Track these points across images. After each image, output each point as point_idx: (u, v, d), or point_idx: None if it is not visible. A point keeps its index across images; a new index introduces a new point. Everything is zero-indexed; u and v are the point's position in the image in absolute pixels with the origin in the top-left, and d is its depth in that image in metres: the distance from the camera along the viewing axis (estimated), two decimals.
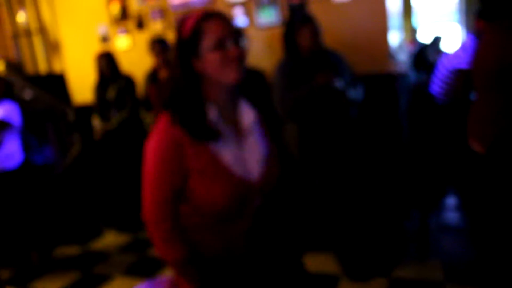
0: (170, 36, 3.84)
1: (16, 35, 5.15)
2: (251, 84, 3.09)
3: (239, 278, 1.42)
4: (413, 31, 5.89)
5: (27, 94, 4.12)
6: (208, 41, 1.25)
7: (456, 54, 2.93)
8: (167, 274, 3.23)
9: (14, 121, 3.39)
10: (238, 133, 1.38)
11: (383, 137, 3.36)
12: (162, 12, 4.13)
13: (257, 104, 1.55)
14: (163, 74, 3.61)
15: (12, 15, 5.17)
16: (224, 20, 1.29)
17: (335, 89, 2.70)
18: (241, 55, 1.29)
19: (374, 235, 3.18)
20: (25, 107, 4.02)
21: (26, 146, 3.87)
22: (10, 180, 3.46)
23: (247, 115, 1.41)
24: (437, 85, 3.08)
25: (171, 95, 1.33)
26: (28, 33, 5.07)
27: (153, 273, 3.30)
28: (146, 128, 3.90)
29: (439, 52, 4.87)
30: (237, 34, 1.29)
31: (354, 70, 2.95)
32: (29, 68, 5.09)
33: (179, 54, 1.30)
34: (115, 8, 4.35)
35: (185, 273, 1.36)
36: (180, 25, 1.30)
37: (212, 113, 1.31)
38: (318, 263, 3.11)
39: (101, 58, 3.97)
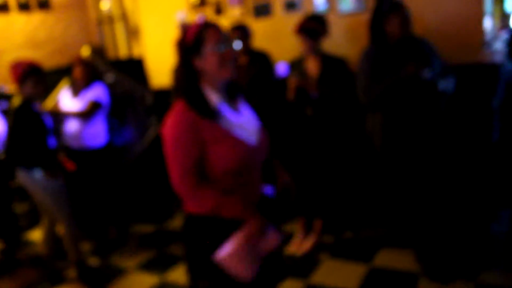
0: (249, 22, 3.82)
1: (100, 22, 5.38)
2: (332, 71, 3.01)
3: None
4: (504, 17, 5.43)
5: (109, 78, 4.28)
6: (209, 44, 1.61)
7: None
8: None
9: (104, 102, 3.56)
10: (237, 111, 1.74)
11: (472, 133, 3.15)
12: None
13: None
14: (242, 60, 3.59)
15: (97, 3, 5.40)
16: (219, 28, 1.65)
17: (424, 80, 2.56)
18: (234, 56, 1.67)
19: (458, 235, 3.01)
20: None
21: (108, 128, 4.05)
22: (94, 158, 3.63)
23: (239, 97, 1.80)
24: None
25: (177, 86, 1.71)
26: (110, 19, 5.27)
27: None
28: None
29: None
30: (229, 39, 1.68)
31: (444, 59, 2.77)
32: (110, 53, 5.29)
33: (182, 55, 1.66)
34: None
35: (231, 209, 1.60)
36: (183, 33, 1.67)
37: (215, 98, 1.66)
38: (396, 259, 3.00)
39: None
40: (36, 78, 3.07)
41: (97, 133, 3.62)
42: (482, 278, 2.67)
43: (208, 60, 1.62)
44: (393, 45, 2.66)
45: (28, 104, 3.06)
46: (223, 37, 1.63)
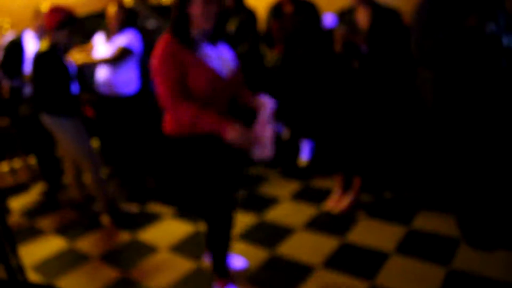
0: None
1: None
2: (383, 24, 2.84)
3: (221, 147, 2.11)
4: None
5: (151, 23, 4.20)
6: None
7: None
8: (272, 213, 3.25)
9: (136, 49, 3.49)
10: (217, 50, 2.12)
11: None
12: None
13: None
14: (288, 9, 3.44)
15: None
16: None
17: (487, 34, 2.35)
18: (217, 14, 2.04)
19: (503, 202, 2.87)
20: (148, 36, 4.12)
21: (146, 74, 4.02)
22: (126, 105, 3.62)
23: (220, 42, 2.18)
24: None
25: (171, 23, 2.03)
26: None
27: (260, 210, 3.33)
28: (267, 65, 3.80)
29: None
30: None
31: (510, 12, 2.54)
32: None
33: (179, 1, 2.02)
34: None
35: (209, 121, 1.96)
36: None
37: (196, 32, 2.05)
38: (436, 223, 2.91)
39: None
40: (71, 28, 3.05)
41: (129, 80, 3.57)
42: None
43: (195, 9, 1.99)
44: None
45: (54, 50, 3.04)
46: None
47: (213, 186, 2.18)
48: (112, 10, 3.49)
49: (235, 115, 2.25)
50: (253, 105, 2.24)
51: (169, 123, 2.15)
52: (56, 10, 3.03)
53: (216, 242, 2.30)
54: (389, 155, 3.22)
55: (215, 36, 2.14)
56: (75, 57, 3.45)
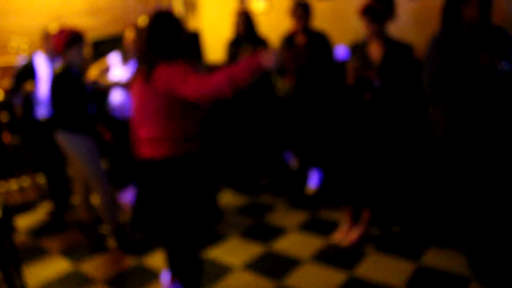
0: (311, 0, 3.68)
1: None
2: (396, 57, 2.87)
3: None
4: None
5: None
6: None
7: None
8: (280, 243, 3.22)
9: None
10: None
11: None
12: None
13: None
14: (300, 39, 3.48)
15: None
16: None
17: (499, 73, 2.36)
18: None
19: None
20: None
21: None
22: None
23: None
24: None
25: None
26: None
27: (268, 240, 3.30)
28: (277, 93, 3.83)
29: None
30: None
31: None
32: None
33: None
34: None
35: (243, 68, 2.00)
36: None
37: None
38: (446, 260, 2.86)
39: (239, 15, 3.92)
40: (80, 45, 3.11)
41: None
42: None
43: None
44: (467, 32, 2.48)
45: (68, 70, 3.09)
46: None
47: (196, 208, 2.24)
48: (130, 34, 3.54)
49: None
50: None
51: (161, 147, 2.18)
52: (61, 32, 3.12)
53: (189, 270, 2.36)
54: (399, 188, 3.20)
55: None
56: (91, 73, 3.52)
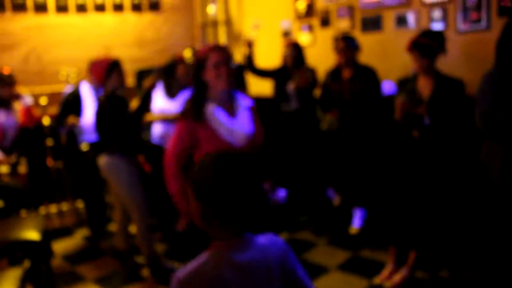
0: (356, 36, 3.66)
1: (204, 25, 5.50)
2: (447, 92, 2.77)
3: None
4: None
5: None
6: (210, 63, 2.16)
7: None
8: (320, 283, 3.07)
9: None
10: (233, 116, 2.25)
11: None
12: (350, 10, 3.97)
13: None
14: (347, 73, 3.44)
15: (203, 7, 5.53)
16: (222, 50, 2.19)
17: None
18: (229, 73, 2.18)
19: None
20: None
21: None
22: None
23: (241, 104, 2.31)
24: None
25: (191, 97, 2.28)
26: (215, 23, 5.37)
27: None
28: (321, 128, 3.75)
29: None
30: (229, 59, 2.19)
31: None
32: None
33: (195, 69, 2.22)
34: (302, 5, 4.32)
35: (181, 204, 2.23)
36: (197, 53, 2.29)
37: (212, 104, 2.21)
38: None
39: (288, 47, 3.90)
40: (118, 72, 3.18)
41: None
42: None
43: (209, 74, 2.16)
44: None
45: (112, 96, 3.15)
46: (222, 58, 2.15)
47: None
48: (181, 64, 3.60)
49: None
50: None
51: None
52: (97, 64, 3.23)
53: None
54: (448, 231, 3.02)
55: (237, 99, 2.31)
56: (133, 105, 3.54)
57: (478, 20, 3.22)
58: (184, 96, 3.57)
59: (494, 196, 2.60)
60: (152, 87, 3.12)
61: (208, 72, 2.16)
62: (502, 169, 2.47)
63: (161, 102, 3.64)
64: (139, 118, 3.18)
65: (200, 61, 2.18)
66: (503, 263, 2.88)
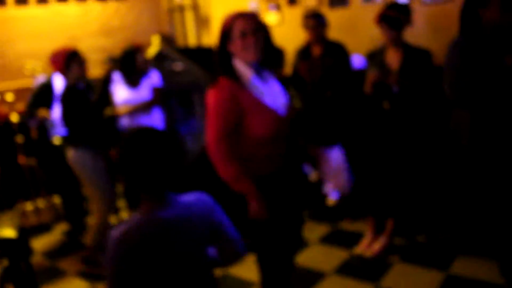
0: (324, 11, 3.68)
1: (171, 11, 5.42)
2: (415, 62, 2.82)
3: (280, 189, 2.05)
4: None
5: (178, 66, 4.27)
6: (235, 32, 1.92)
7: None
8: (303, 257, 3.13)
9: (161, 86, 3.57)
10: (267, 84, 2.01)
11: None
12: None
13: None
14: (316, 50, 3.46)
15: None
16: (249, 18, 1.94)
17: None
18: (257, 43, 1.92)
19: None
20: (175, 78, 4.18)
21: (173, 116, 4.03)
22: None
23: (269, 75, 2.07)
24: None
25: (216, 65, 1.99)
26: (181, 8, 5.30)
27: None
28: (295, 106, 3.78)
29: None
30: (256, 27, 1.93)
31: None
32: (180, 41, 5.32)
33: (220, 40, 1.97)
34: None
35: (242, 186, 1.92)
36: (223, 22, 1.98)
37: (247, 71, 1.94)
38: (476, 269, 2.76)
39: None
40: (78, 61, 3.14)
41: (155, 124, 3.57)
42: None
43: (235, 44, 1.92)
44: (488, 34, 2.44)
45: (74, 87, 3.12)
46: (249, 26, 1.91)
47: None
48: (141, 53, 3.52)
49: (296, 155, 2.21)
50: (317, 157, 2.27)
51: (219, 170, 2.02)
52: (55, 56, 3.16)
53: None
54: (423, 196, 3.12)
55: (263, 69, 2.04)
56: (120, 110, 3.50)
57: None
58: (147, 83, 3.53)
59: (464, 160, 2.69)
60: (106, 78, 3.08)
61: (234, 42, 1.92)
62: (470, 133, 2.55)
63: (124, 93, 3.53)
64: (99, 111, 3.15)
65: (225, 31, 1.95)
66: (478, 223, 3.00)
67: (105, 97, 3.29)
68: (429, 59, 2.92)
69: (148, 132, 1.39)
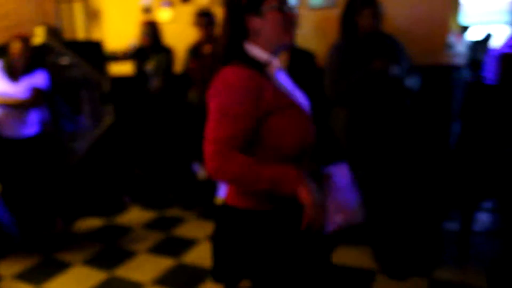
0: (217, 11, 3.72)
1: (58, 1, 5.10)
2: (300, 64, 2.97)
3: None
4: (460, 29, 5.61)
5: (65, 60, 4.05)
6: (271, 2, 1.37)
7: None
8: (191, 256, 3.16)
9: (46, 88, 3.33)
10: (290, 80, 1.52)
11: (433, 131, 3.20)
12: None
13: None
14: (207, 49, 3.49)
15: None
16: None
17: (392, 76, 2.56)
18: (296, 20, 1.44)
19: (413, 233, 3.04)
20: (61, 73, 3.95)
21: (58, 113, 3.82)
22: (29, 147, 3.37)
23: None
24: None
25: (225, 50, 1.42)
26: None
27: (178, 253, 3.21)
28: (183, 105, 3.77)
29: (487, 49, 4.63)
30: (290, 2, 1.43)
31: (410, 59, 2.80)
32: (67, 35, 5.02)
33: (233, 13, 1.41)
34: None
35: (270, 175, 1.29)
36: None
37: (273, 61, 1.43)
38: (353, 256, 2.99)
39: (145, 26, 3.84)
40: None
41: (29, 121, 3.33)
42: (435, 274, 2.73)
43: (269, 18, 1.37)
44: (362, 39, 2.66)
45: None
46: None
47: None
48: (16, 46, 3.22)
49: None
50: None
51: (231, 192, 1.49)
52: None
53: None
54: None
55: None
56: None
57: None
58: (28, 81, 3.25)
59: (344, 153, 2.90)
60: None
61: (265, 16, 1.37)
62: (347, 129, 2.76)
63: (1, 85, 3.24)
64: None
65: (249, 1, 1.38)
66: None
67: None
68: (313, 61, 3.10)
69: None
